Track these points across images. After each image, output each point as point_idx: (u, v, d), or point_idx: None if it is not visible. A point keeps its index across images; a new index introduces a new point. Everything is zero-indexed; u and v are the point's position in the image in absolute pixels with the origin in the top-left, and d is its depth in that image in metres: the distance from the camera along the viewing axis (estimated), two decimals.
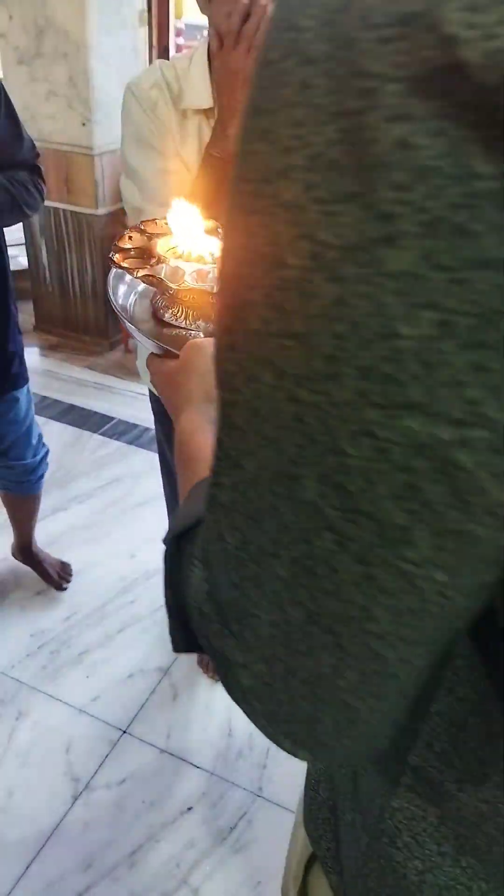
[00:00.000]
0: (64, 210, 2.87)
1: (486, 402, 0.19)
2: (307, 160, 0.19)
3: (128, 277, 0.64)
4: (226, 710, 1.61)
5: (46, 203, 2.93)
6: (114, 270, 0.63)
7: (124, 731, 1.56)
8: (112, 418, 2.67)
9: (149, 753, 1.53)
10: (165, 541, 0.38)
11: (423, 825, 0.39)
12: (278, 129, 0.20)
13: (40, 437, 1.62)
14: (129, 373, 2.98)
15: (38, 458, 1.63)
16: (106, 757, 1.51)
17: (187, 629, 0.36)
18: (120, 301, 0.65)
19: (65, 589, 1.88)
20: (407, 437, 0.21)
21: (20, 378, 1.48)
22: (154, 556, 1.95)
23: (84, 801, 1.44)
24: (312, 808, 0.53)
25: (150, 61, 2.93)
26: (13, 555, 1.91)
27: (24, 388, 1.51)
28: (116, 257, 0.62)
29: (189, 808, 1.44)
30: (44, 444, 1.65)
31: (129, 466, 2.41)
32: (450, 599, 0.24)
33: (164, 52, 3.10)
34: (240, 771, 1.50)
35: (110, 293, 0.64)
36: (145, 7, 2.85)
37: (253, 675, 0.31)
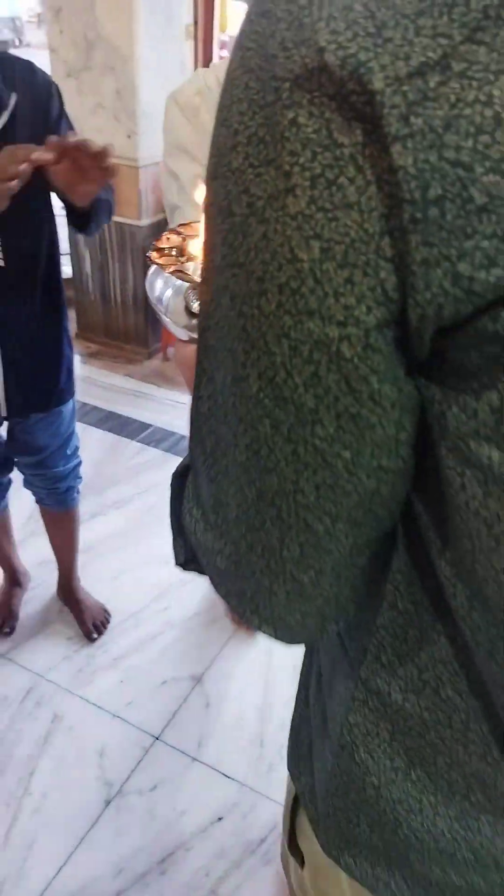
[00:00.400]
0: None
1: (356, 308, 0.27)
2: (246, 138, 0.27)
3: (165, 273, 0.72)
4: (257, 722, 1.61)
5: None
6: (152, 267, 0.72)
7: (157, 738, 1.57)
8: (150, 426, 2.70)
9: (181, 761, 1.53)
10: (174, 474, 0.47)
11: (376, 741, 0.45)
12: (231, 117, 0.28)
13: (76, 449, 1.61)
14: (168, 381, 3.01)
15: (70, 466, 1.61)
16: (139, 763, 1.52)
17: (188, 547, 0.45)
18: (157, 294, 0.73)
19: (94, 640, 1.79)
20: (310, 336, 0.28)
21: (67, 393, 1.48)
22: None
23: (116, 806, 1.45)
24: (293, 748, 0.60)
25: None
26: (57, 593, 1.89)
27: (70, 402, 1.51)
28: (153, 255, 0.70)
29: (220, 818, 1.43)
30: (78, 456, 1.63)
31: (165, 474, 2.42)
32: (356, 476, 0.32)
33: (208, 65, 3.14)
34: (271, 783, 1.50)
35: (148, 287, 0.73)
36: (192, 21, 2.89)
37: (226, 556, 0.39)
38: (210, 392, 0.35)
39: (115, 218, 2.89)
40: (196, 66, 3.06)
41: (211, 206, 0.30)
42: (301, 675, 0.60)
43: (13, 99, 1.15)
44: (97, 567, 1.98)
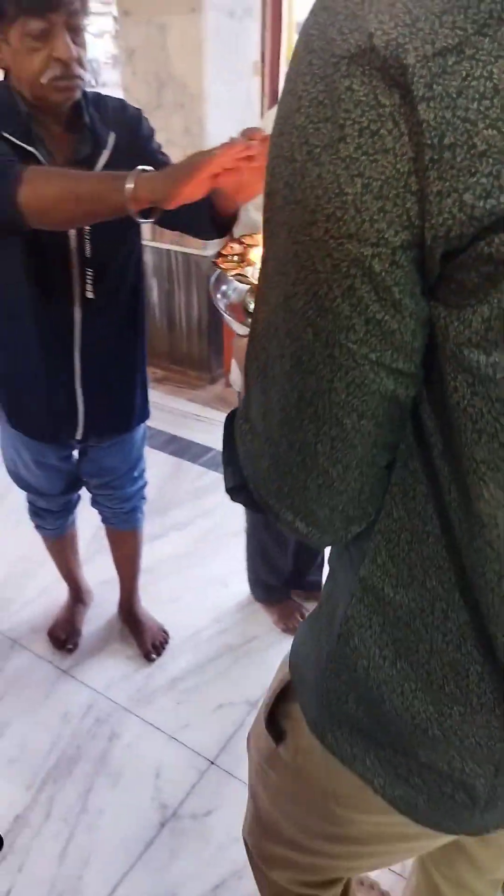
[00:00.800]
0: (175, 252, 3.01)
1: (386, 231, 0.35)
2: (308, 102, 0.35)
3: (227, 277, 0.80)
4: None
5: (159, 245, 3.08)
6: (216, 272, 0.79)
7: (212, 762, 1.57)
8: (211, 449, 2.74)
9: (235, 787, 1.52)
10: (227, 415, 0.55)
11: (369, 632, 0.52)
12: (297, 86, 0.36)
13: (143, 471, 1.64)
14: (229, 406, 3.04)
15: (136, 488, 1.63)
16: (194, 787, 1.52)
17: (238, 473, 0.53)
18: (220, 295, 0.81)
19: (153, 660, 1.81)
20: (349, 255, 0.36)
21: (141, 417, 1.50)
22: (246, 586, 1.97)
23: (171, 829, 1.45)
24: (296, 642, 0.69)
25: (263, 109, 3.05)
26: (118, 612, 1.92)
27: (141, 427, 1.53)
28: (218, 261, 0.79)
29: None
30: (144, 478, 1.66)
31: (225, 496, 2.44)
32: (379, 376, 0.40)
33: (275, 99, 3.22)
34: None
35: (211, 288, 0.80)
36: (259, 58, 2.98)
37: (269, 457, 0.47)
38: (264, 313, 0.43)
39: (182, 248, 2.99)
40: (263, 102, 3.14)
41: (276, 158, 0.38)
42: (320, 598, 0.67)
43: (112, 138, 1.18)
44: (157, 588, 2.01)
